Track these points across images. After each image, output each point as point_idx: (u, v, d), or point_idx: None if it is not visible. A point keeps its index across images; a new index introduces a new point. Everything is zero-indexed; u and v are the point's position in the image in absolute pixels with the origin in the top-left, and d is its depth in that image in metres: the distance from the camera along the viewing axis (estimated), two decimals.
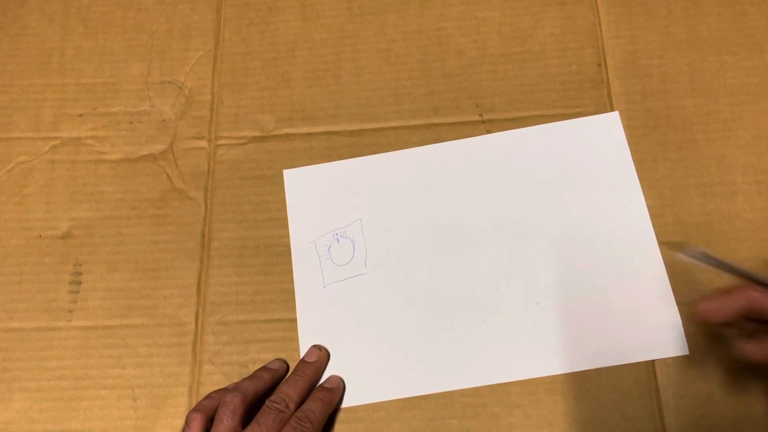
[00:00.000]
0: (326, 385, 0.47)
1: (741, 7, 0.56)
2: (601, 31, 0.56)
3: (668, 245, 0.49)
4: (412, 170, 0.53)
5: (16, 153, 0.56)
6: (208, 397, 0.45)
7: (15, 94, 0.58)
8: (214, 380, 0.49)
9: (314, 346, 0.49)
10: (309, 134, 0.55)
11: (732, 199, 0.51)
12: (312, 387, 0.47)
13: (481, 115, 0.55)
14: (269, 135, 0.56)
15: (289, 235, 0.53)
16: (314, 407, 0.45)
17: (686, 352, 0.47)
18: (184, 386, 0.49)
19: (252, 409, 0.45)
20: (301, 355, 0.49)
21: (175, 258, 0.52)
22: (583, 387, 0.47)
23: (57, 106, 0.57)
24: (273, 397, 0.45)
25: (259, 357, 0.50)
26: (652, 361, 0.47)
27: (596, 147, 0.53)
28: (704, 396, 0.46)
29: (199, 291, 0.52)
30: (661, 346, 0.47)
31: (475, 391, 0.47)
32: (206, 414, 0.44)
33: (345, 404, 0.48)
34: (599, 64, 0.55)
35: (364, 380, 0.48)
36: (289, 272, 0.52)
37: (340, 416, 0.48)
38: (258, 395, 0.46)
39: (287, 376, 0.48)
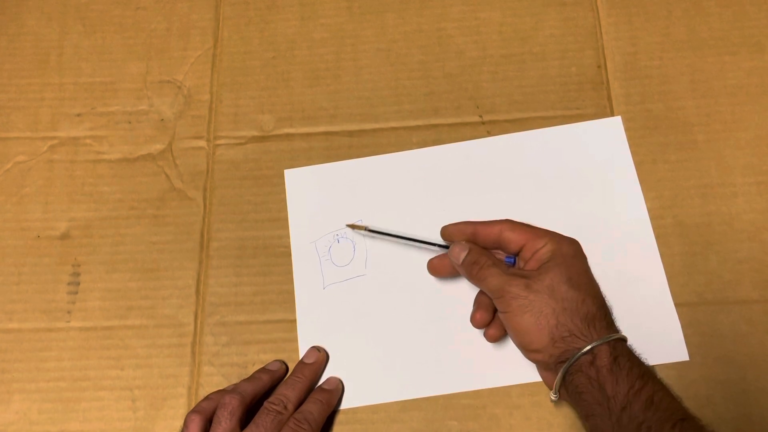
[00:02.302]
0: (325, 387, 0.47)
1: (741, 8, 0.56)
2: (601, 32, 0.56)
3: (351, 226, 0.51)
4: (413, 172, 0.53)
5: (14, 153, 0.56)
6: (206, 398, 0.45)
7: (13, 94, 0.58)
8: (214, 381, 0.49)
9: (313, 347, 0.49)
10: (309, 134, 0.55)
11: (732, 200, 0.51)
12: (311, 388, 0.47)
13: (481, 116, 0.55)
14: (268, 135, 0.56)
15: (288, 236, 0.53)
16: (313, 408, 0.45)
17: (686, 357, 0.47)
18: (183, 387, 0.49)
19: (251, 411, 0.45)
20: (301, 356, 0.49)
21: (174, 258, 0.52)
22: None
23: (55, 106, 0.57)
24: (271, 399, 0.45)
25: (258, 358, 0.49)
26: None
27: (598, 151, 0.53)
28: (704, 397, 0.46)
29: (198, 292, 0.51)
30: (661, 351, 0.47)
31: (476, 393, 0.47)
32: (205, 415, 0.44)
33: (344, 405, 0.48)
34: (599, 66, 0.55)
35: (364, 382, 0.48)
36: (289, 273, 0.52)
37: (339, 417, 0.47)
38: (257, 396, 0.46)
39: (286, 378, 0.48)
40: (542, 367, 0.45)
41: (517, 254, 0.46)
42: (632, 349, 0.42)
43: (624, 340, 0.42)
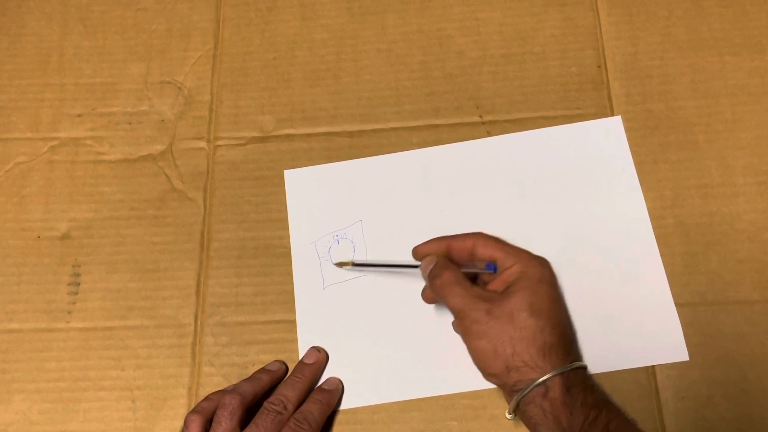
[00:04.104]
0: (325, 387, 0.47)
1: (742, 8, 0.56)
2: (601, 32, 0.56)
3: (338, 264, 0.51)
4: (413, 172, 0.53)
5: (15, 153, 0.56)
6: (206, 398, 0.45)
7: (14, 94, 0.58)
8: (214, 382, 0.49)
9: (313, 347, 0.49)
10: (309, 135, 0.55)
11: (733, 200, 0.51)
12: (311, 388, 0.47)
13: (481, 116, 0.55)
14: (269, 135, 0.56)
15: (288, 236, 0.53)
16: (312, 409, 0.45)
17: (686, 357, 0.47)
18: (183, 388, 0.49)
19: (251, 411, 0.45)
20: (301, 357, 0.49)
21: (175, 259, 0.52)
22: None
23: (56, 106, 0.57)
24: (271, 399, 0.45)
25: (258, 358, 0.49)
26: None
27: (598, 151, 0.53)
28: (704, 398, 0.46)
29: (198, 292, 0.51)
30: (661, 351, 0.47)
31: (476, 393, 0.47)
32: (205, 415, 0.44)
33: (344, 406, 0.48)
34: (599, 66, 0.55)
35: (364, 382, 0.48)
36: (289, 273, 0.52)
37: (339, 418, 0.47)
38: (257, 397, 0.46)
39: (286, 378, 0.48)
40: (500, 388, 0.45)
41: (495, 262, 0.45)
42: (587, 376, 0.42)
43: (581, 368, 0.42)
